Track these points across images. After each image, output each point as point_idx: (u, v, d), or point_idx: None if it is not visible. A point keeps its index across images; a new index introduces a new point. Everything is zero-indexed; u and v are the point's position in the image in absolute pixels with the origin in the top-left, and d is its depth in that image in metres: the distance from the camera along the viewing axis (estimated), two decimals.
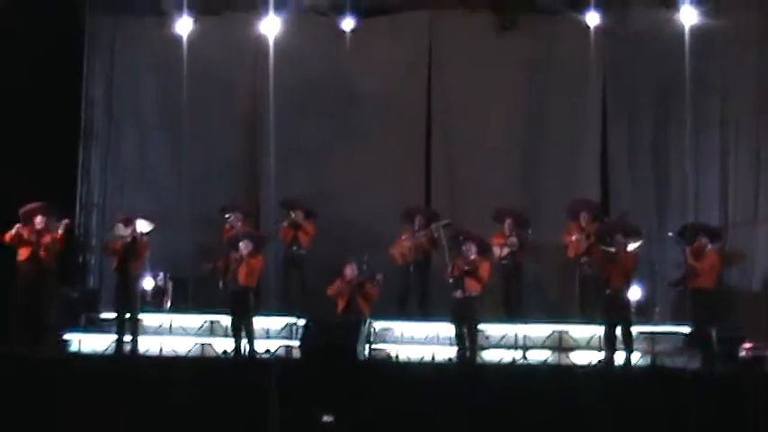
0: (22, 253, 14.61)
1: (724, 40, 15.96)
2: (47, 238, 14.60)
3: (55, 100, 16.35)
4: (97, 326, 15.73)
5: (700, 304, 14.06)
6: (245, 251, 14.69)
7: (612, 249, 13.92)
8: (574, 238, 15.21)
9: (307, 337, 13.96)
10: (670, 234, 14.73)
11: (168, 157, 17.50)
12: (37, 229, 14.62)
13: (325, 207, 16.27)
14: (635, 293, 14.50)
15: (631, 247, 14.10)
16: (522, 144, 16.87)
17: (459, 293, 14.14)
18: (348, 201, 16.90)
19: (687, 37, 15.74)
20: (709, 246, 14.25)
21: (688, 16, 15.80)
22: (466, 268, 14.15)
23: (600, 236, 14.52)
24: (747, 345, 13.83)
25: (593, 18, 16.24)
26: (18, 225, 14.58)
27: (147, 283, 15.80)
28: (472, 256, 14.27)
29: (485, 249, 14.53)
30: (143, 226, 14.82)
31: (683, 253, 14.27)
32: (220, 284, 15.64)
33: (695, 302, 14.15)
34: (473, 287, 14.12)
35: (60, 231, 14.68)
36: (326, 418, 11.44)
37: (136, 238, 14.69)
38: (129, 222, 14.82)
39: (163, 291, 16.09)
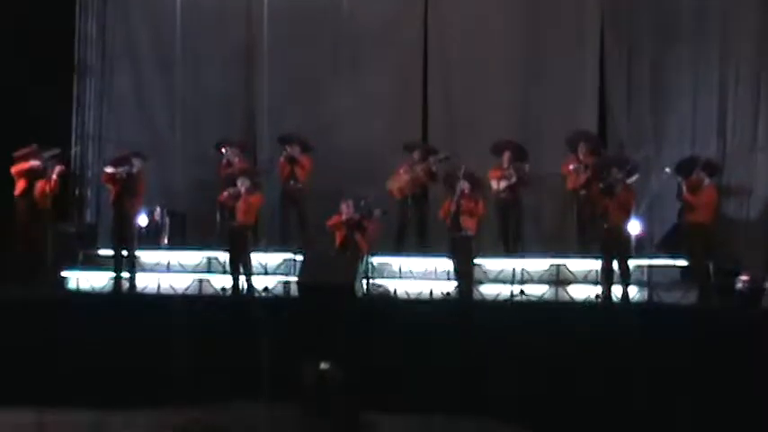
0: (19, 187, 14.61)
1: None
2: (41, 183, 14.58)
3: (48, 36, 16.18)
4: (95, 263, 15.73)
5: (696, 239, 13.97)
6: (242, 188, 14.65)
7: (610, 185, 13.87)
8: (572, 167, 15.11)
9: (304, 273, 13.97)
10: (667, 170, 14.58)
11: (162, 91, 17.35)
12: (32, 169, 14.57)
13: (321, 140, 16.12)
14: (634, 228, 14.43)
15: (629, 181, 14.05)
16: (520, 77, 16.63)
17: (455, 232, 14.13)
18: (345, 133, 16.70)
19: None
20: (707, 180, 14.15)
21: None
22: (460, 206, 14.11)
23: (597, 171, 14.46)
24: (744, 277, 13.82)
25: None
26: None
27: (143, 220, 15.65)
28: (466, 193, 14.22)
29: (478, 186, 14.46)
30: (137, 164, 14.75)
31: (678, 187, 14.16)
32: (218, 220, 15.68)
33: (691, 237, 14.06)
34: (468, 225, 14.10)
35: (54, 177, 14.66)
36: (323, 366, 11.43)
37: (132, 174, 14.61)
38: (123, 161, 14.73)
39: (159, 227, 16.02)
